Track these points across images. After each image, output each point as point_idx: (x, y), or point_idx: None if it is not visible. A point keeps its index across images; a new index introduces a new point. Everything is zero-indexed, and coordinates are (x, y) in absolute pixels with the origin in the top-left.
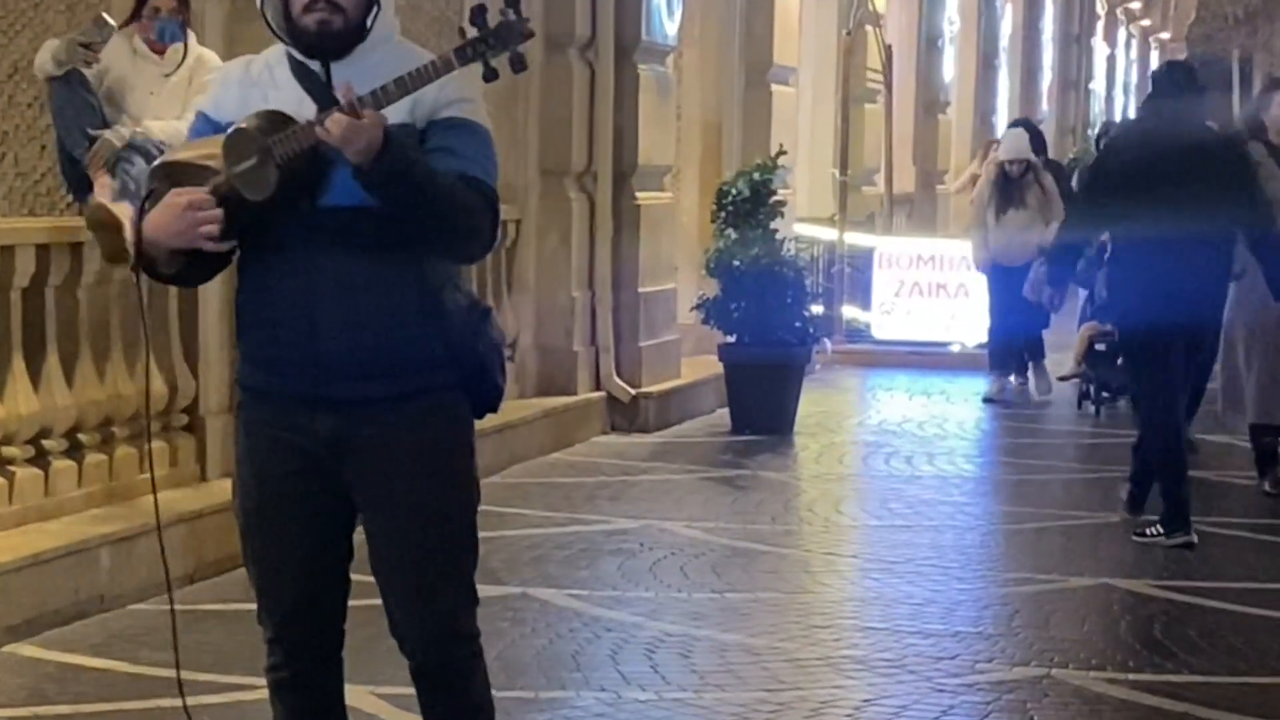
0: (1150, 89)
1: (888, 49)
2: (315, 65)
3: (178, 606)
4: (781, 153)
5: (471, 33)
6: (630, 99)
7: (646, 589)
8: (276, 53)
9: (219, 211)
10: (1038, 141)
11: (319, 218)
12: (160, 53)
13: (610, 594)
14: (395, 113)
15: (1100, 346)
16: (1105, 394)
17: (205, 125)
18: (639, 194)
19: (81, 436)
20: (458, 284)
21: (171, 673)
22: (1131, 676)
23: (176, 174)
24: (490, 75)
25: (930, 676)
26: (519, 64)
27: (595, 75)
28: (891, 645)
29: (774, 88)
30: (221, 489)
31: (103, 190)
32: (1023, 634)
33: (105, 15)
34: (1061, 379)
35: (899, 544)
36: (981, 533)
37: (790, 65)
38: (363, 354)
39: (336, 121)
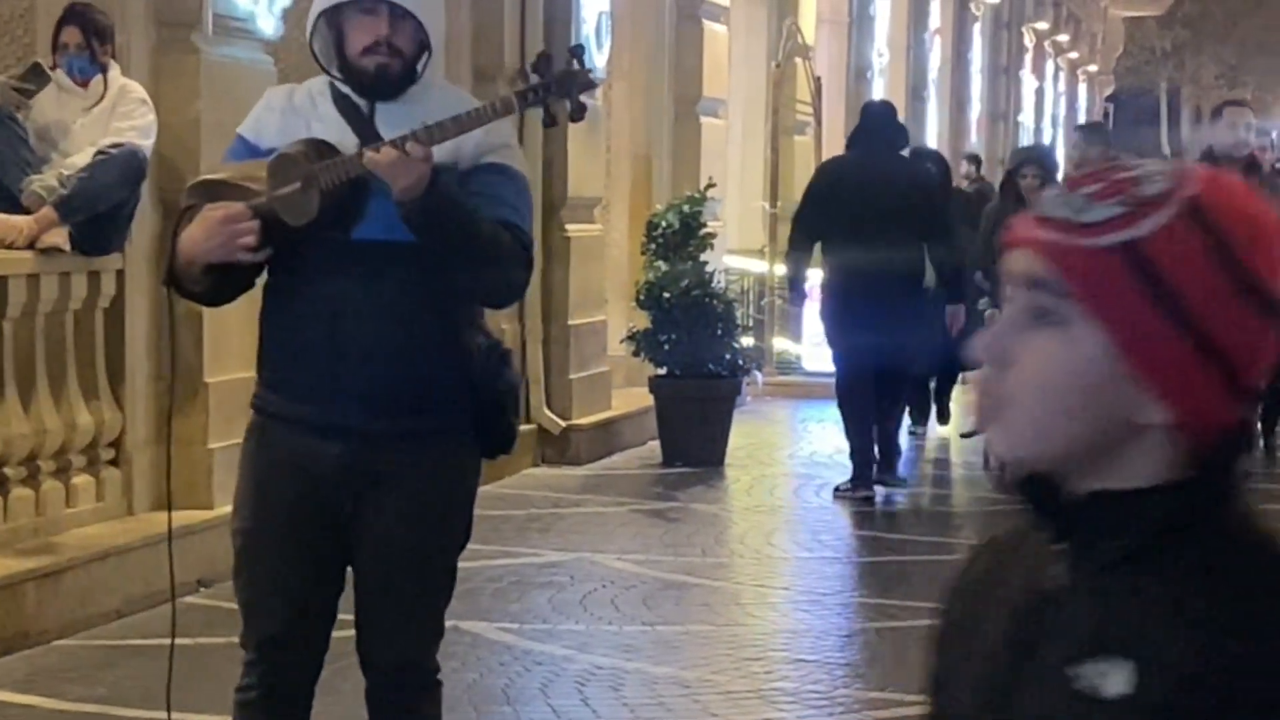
0: (861, 122)
1: (817, 81)
2: (361, 101)
3: (105, 641)
4: (711, 185)
5: (534, 79)
6: (559, 131)
7: (577, 622)
8: (319, 83)
9: (256, 223)
10: (941, 168)
11: (350, 249)
12: (83, 85)
13: (541, 627)
14: (439, 153)
15: None
16: None
17: (243, 148)
18: (568, 226)
19: (7, 471)
20: (480, 325)
21: (97, 707)
22: None
23: (214, 192)
24: (549, 121)
25: (861, 709)
26: (579, 112)
27: None
28: (823, 678)
29: (703, 120)
30: (148, 523)
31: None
32: None
33: (41, 62)
34: (964, 435)
35: (830, 576)
36: (913, 564)
37: (720, 97)
38: (382, 386)
39: (387, 153)
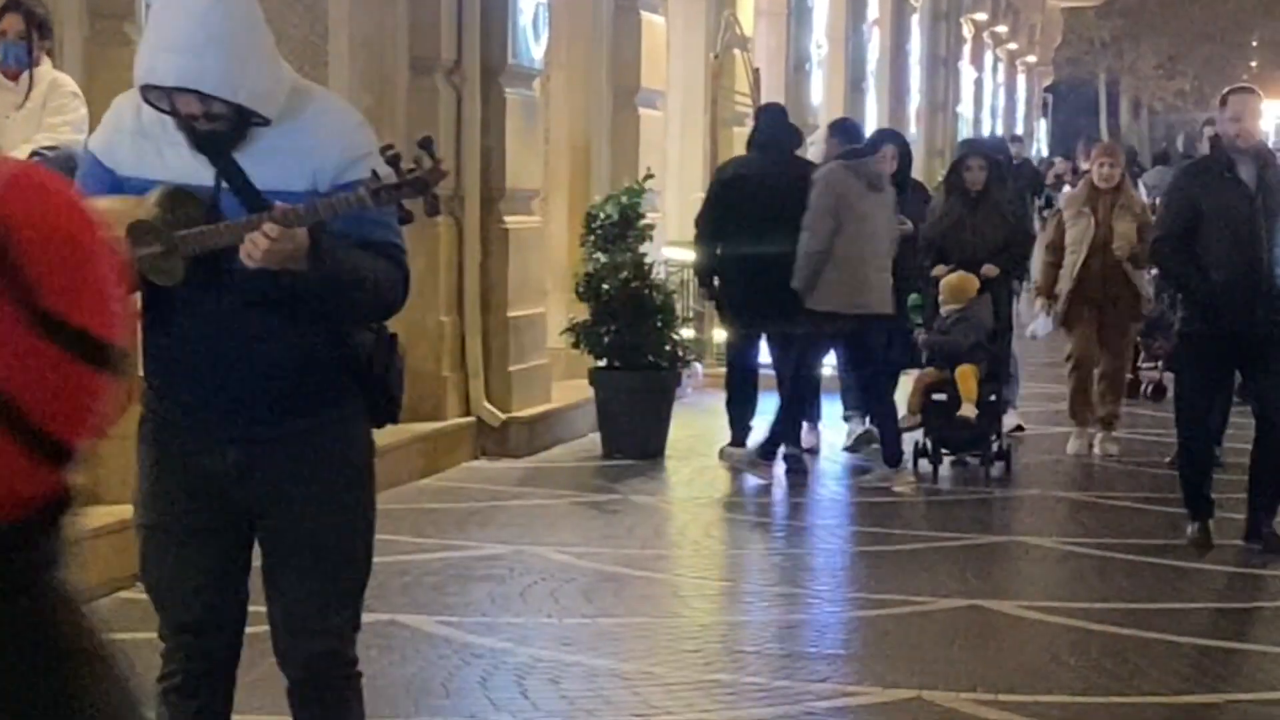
0: (758, 125)
1: (755, 72)
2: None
3: None
4: (650, 176)
5: (387, 174)
6: (497, 122)
7: (517, 615)
8: None
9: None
10: (905, 159)
11: (227, 277)
12: (14, 78)
13: (480, 620)
14: (298, 180)
15: (940, 396)
16: (944, 451)
17: (99, 170)
18: (507, 218)
19: None
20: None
21: None
22: (1002, 697)
23: None
24: (405, 218)
25: (801, 699)
26: (434, 208)
27: (462, 99)
28: (762, 669)
29: (642, 111)
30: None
31: None
32: (893, 656)
33: None
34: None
35: (769, 568)
36: (851, 555)
37: (658, 88)
38: (275, 396)
39: (254, 247)
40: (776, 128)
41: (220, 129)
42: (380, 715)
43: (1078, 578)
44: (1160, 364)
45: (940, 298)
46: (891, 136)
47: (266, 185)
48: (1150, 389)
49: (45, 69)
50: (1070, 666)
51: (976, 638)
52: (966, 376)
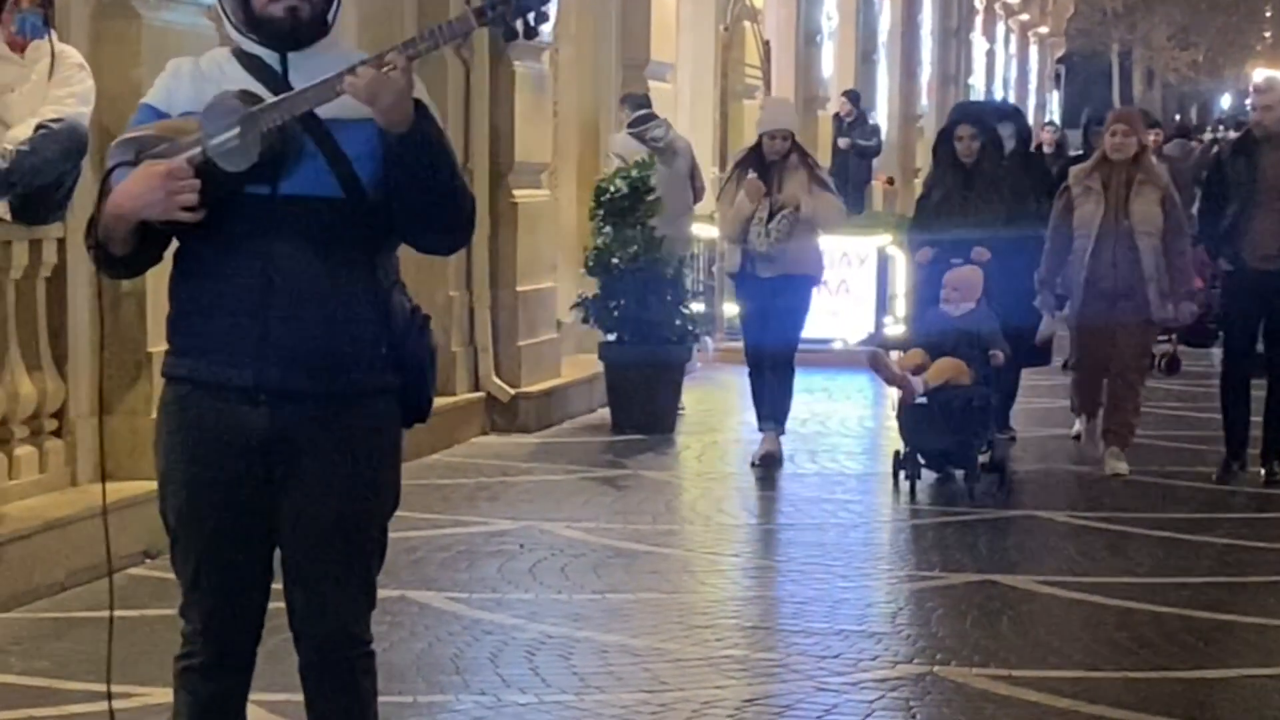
0: None
1: (766, 45)
2: (272, 59)
3: (48, 614)
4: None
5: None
6: (506, 96)
7: (527, 590)
8: (224, 52)
9: (196, 183)
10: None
11: (277, 206)
12: (20, 49)
13: (490, 596)
14: (353, 108)
15: (922, 400)
16: (923, 464)
17: (150, 114)
18: (516, 192)
19: None
20: (403, 288)
21: (41, 680)
22: (1014, 673)
23: (146, 146)
24: (510, 35)
25: (813, 675)
26: (537, 25)
27: (470, 73)
28: (774, 645)
29: (652, 84)
30: (92, 494)
31: None
32: (905, 631)
33: None
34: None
35: (781, 543)
36: (864, 530)
37: (668, 61)
38: (310, 346)
39: (365, 72)
40: None
41: (301, 12)
42: (390, 692)
43: (1090, 553)
44: (1174, 337)
45: (945, 294)
46: (966, 113)
47: (328, 114)
48: (1165, 362)
49: (54, 40)
50: (1083, 641)
51: (989, 613)
52: (947, 367)
